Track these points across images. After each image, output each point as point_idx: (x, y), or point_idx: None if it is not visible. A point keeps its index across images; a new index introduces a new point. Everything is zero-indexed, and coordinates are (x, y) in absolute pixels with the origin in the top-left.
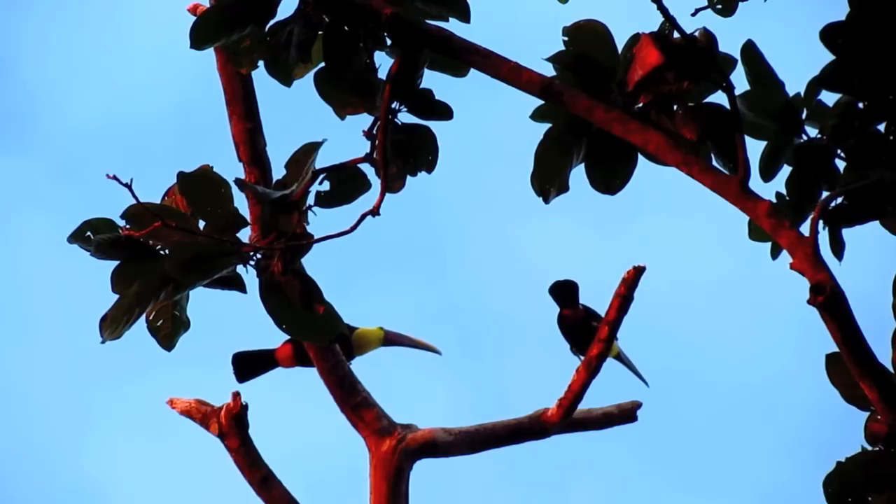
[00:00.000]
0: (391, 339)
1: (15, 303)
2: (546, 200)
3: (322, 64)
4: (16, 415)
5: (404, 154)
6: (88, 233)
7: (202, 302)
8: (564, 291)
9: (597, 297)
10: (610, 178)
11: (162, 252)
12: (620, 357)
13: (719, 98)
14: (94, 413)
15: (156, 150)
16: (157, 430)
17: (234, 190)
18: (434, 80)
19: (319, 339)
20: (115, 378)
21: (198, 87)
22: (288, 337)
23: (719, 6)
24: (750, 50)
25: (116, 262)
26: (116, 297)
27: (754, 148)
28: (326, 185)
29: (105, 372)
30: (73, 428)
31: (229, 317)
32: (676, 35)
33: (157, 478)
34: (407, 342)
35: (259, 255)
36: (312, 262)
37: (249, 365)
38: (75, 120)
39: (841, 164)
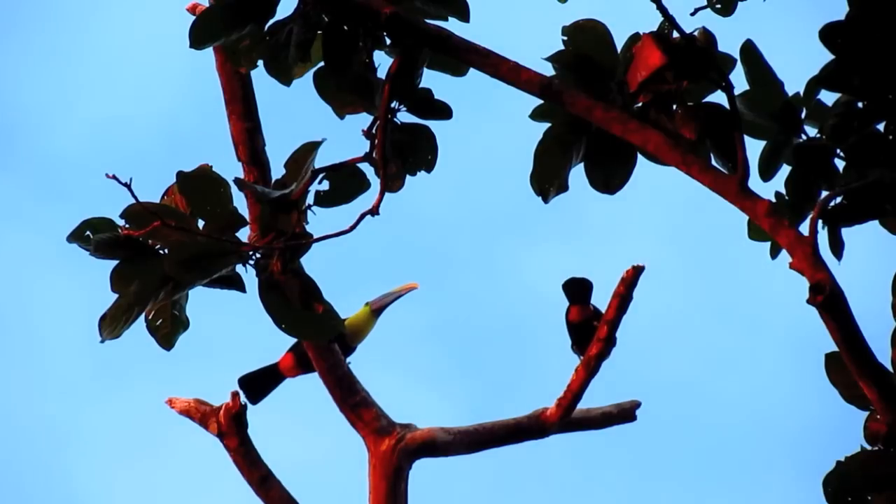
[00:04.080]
0: (379, 309)
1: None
2: (545, 200)
3: (321, 63)
4: (7, 429)
5: (404, 153)
6: (88, 232)
7: (201, 302)
8: (577, 288)
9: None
10: (609, 178)
11: (161, 251)
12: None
13: (719, 98)
14: (90, 420)
15: (151, 159)
16: (155, 432)
17: (234, 189)
18: (433, 84)
19: (318, 338)
20: (110, 383)
21: (194, 92)
22: (286, 348)
23: (718, 6)
24: (749, 49)
25: (115, 262)
26: (115, 297)
27: (754, 147)
28: (326, 185)
29: (100, 379)
30: (69, 438)
31: (228, 316)
32: (676, 35)
33: (156, 479)
34: (391, 299)
35: (258, 255)
36: (312, 263)
37: (258, 385)
38: (65, 137)
39: (840, 164)
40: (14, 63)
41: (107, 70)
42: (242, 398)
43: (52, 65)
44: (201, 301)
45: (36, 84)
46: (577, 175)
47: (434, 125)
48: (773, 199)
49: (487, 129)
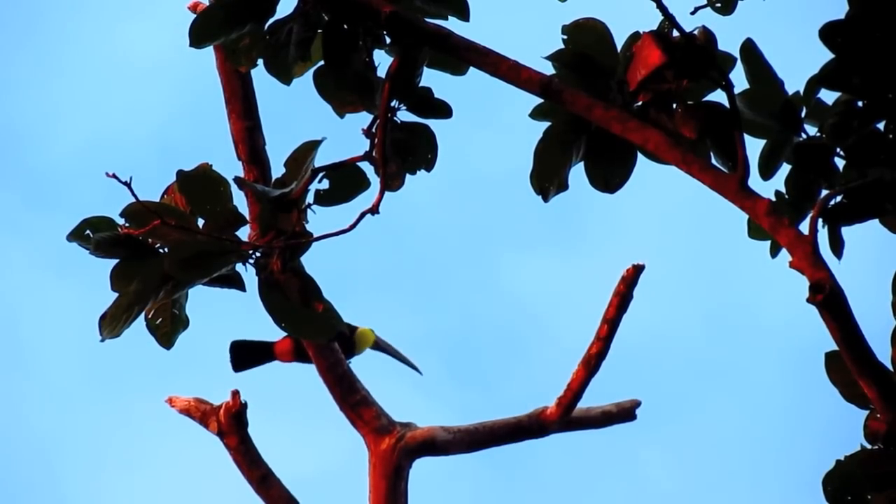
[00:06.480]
0: (379, 347)
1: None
2: (545, 199)
3: (321, 62)
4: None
5: (403, 152)
6: (87, 231)
7: (201, 300)
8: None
9: (577, 323)
10: (609, 177)
11: (161, 250)
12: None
13: (719, 96)
14: (87, 425)
15: (148, 166)
16: (155, 432)
17: (234, 188)
18: (432, 84)
19: (318, 337)
20: (107, 388)
21: (190, 100)
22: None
23: (718, 5)
24: (749, 48)
25: (115, 261)
26: (112, 298)
27: (754, 146)
28: (325, 184)
29: (97, 384)
30: (66, 444)
31: (228, 315)
32: (676, 34)
33: (155, 479)
34: (392, 352)
35: (258, 254)
36: (312, 263)
37: (247, 355)
38: (60, 147)
39: (840, 163)
40: (6, 75)
41: (101, 81)
42: (242, 397)
43: (46, 76)
44: (201, 300)
45: (29, 95)
46: (577, 175)
47: (432, 130)
48: (773, 198)
49: (484, 137)
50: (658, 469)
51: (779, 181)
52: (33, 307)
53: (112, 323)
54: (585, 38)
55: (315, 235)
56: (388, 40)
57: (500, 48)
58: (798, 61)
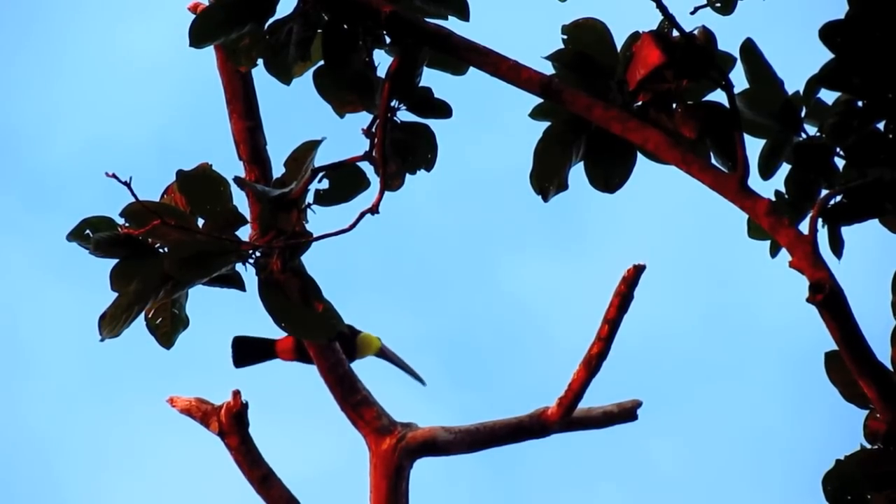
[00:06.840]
0: (384, 355)
1: None
2: (545, 199)
3: (321, 62)
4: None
5: (403, 152)
6: (87, 231)
7: (201, 300)
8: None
9: (577, 323)
10: (609, 177)
11: (161, 250)
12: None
13: (718, 96)
14: (87, 428)
15: (147, 168)
16: (155, 433)
17: (234, 188)
18: (432, 84)
19: (319, 337)
20: (106, 384)
21: (188, 103)
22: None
23: (718, 4)
24: (749, 48)
25: (114, 261)
26: (111, 298)
27: (753, 146)
28: (325, 184)
29: (95, 380)
30: (66, 447)
31: (228, 315)
32: (675, 33)
33: (156, 479)
34: (397, 361)
35: (258, 254)
36: (313, 263)
37: (249, 351)
38: (58, 150)
39: (840, 163)
40: (6, 75)
41: (101, 81)
42: (243, 397)
43: (46, 76)
44: (201, 300)
45: (29, 95)
46: (577, 175)
47: (432, 130)
48: (773, 198)
49: (484, 137)
50: (657, 469)
51: (779, 181)
52: (33, 308)
53: (112, 323)
54: (585, 37)
55: (315, 235)
56: (388, 40)
57: (500, 48)
58: (798, 61)
